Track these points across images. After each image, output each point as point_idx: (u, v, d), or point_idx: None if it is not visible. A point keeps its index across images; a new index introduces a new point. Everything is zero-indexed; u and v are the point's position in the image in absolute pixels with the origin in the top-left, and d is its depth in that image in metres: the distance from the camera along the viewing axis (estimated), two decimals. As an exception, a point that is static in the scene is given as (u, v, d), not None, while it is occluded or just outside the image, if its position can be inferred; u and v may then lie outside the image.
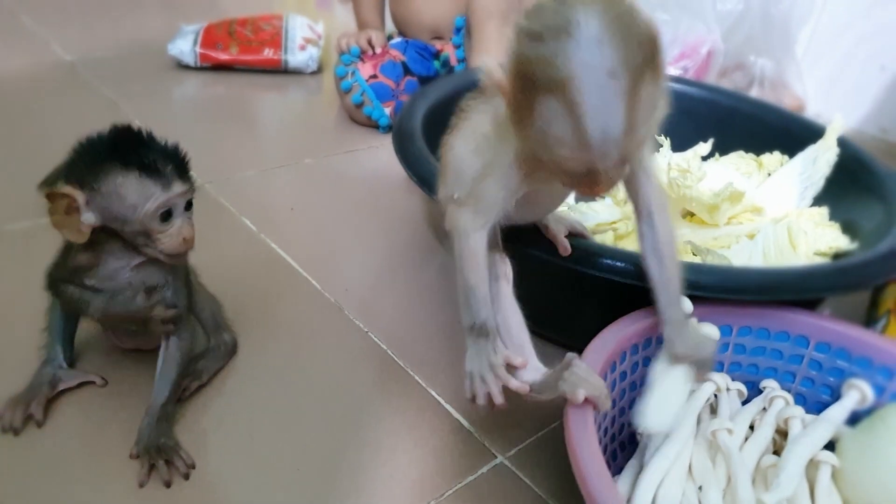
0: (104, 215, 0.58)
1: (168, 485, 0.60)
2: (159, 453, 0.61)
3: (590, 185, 0.50)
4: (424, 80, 1.32)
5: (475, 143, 0.59)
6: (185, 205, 0.61)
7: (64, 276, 0.64)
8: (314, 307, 0.85)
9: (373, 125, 1.33)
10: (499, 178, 0.56)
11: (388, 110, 1.31)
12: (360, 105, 1.32)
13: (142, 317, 0.64)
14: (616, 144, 0.46)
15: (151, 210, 0.58)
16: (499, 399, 0.59)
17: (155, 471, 0.60)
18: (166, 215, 0.60)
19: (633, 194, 0.60)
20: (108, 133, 0.59)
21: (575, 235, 0.69)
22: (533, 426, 0.72)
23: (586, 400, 0.54)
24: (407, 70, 1.32)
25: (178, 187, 0.60)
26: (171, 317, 0.64)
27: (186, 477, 0.61)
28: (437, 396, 0.74)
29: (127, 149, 0.58)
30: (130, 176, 0.57)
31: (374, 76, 1.31)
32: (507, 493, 0.65)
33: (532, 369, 0.61)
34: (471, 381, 0.60)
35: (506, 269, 0.64)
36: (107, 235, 0.60)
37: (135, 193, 0.58)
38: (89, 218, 0.58)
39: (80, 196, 0.57)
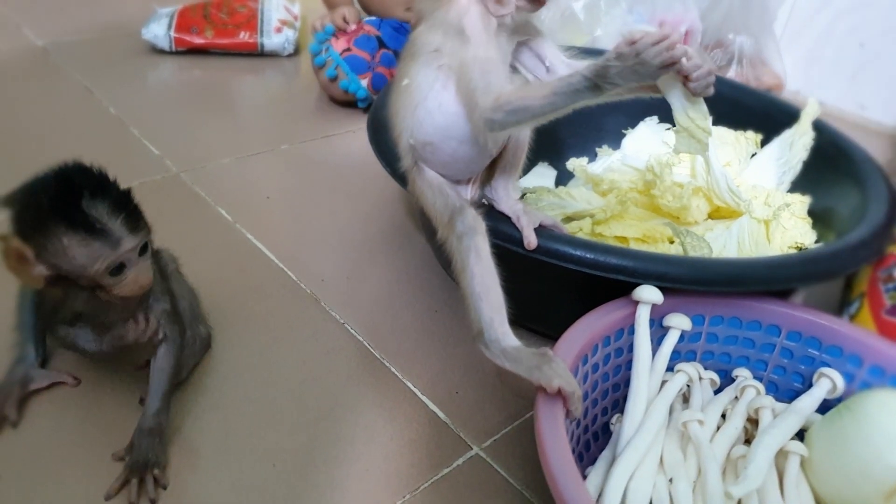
0: (55, 269, 0.56)
1: None
2: (140, 470, 0.60)
3: None
4: (398, 55, 1.31)
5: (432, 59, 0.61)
6: (139, 251, 0.59)
7: (48, 315, 0.63)
8: (290, 299, 0.85)
9: (350, 102, 1.32)
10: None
11: (364, 82, 1.29)
12: (334, 79, 1.30)
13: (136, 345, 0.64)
14: None
15: (101, 270, 0.56)
16: None
17: (126, 487, 0.60)
18: (118, 269, 0.57)
19: None
20: (53, 180, 0.56)
21: (546, 228, 0.69)
22: (508, 416, 0.72)
23: (559, 392, 0.54)
24: (382, 44, 1.31)
25: (128, 243, 0.57)
26: (160, 337, 0.64)
27: (152, 502, 0.59)
28: (412, 387, 0.74)
29: (71, 204, 0.55)
30: (75, 237, 0.55)
31: (348, 49, 1.29)
32: (482, 484, 0.65)
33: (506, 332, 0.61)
34: None
35: (483, 226, 0.64)
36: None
37: (82, 255, 0.55)
38: (41, 270, 0.56)
39: (28, 251, 0.55)
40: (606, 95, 0.54)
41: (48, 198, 0.55)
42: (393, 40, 1.32)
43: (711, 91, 0.56)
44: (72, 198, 0.55)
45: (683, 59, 0.52)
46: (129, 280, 0.58)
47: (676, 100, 0.57)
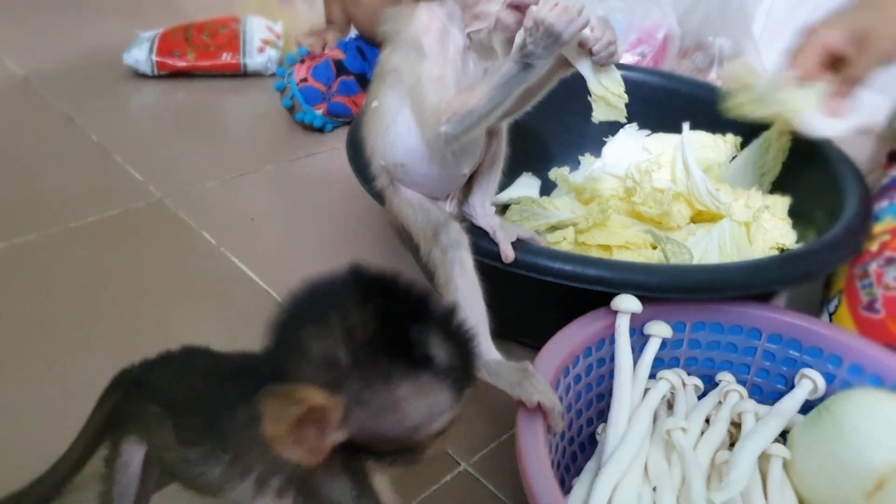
0: (361, 433, 0.38)
1: None
2: None
3: None
4: (361, 79, 1.32)
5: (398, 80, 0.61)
6: None
7: None
8: (276, 321, 0.85)
9: (309, 128, 1.33)
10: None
11: (320, 111, 1.30)
12: (290, 109, 1.31)
13: None
14: None
15: (438, 430, 0.40)
16: None
17: None
18: (446, 428, 0.40)
19: None
20: (377, 299, 0.39)
21: (523, 241, 0.70)
22: (496, 429, 0.72)
23: (539, 407, 0.55)
24: (343, 69, 1.31)
25: (469, 389, 0.40)
26: None
27: None
28: (400, 406, 0.74)
29: (409, 335, 0.38)
30: (420, 384, 0.37)
31: (305, 80, 1.30)
32: (471, 500, 0.65)
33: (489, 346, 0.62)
34: None
35: (466, 239, 0.64)
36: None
37: (421, 410, 0.38)
38: (337, 437, 0.38)
39: (336, 409, 0.37)
40: (540, 73, 0.57)
41: (370, 322, 0.37)
42: (355, 62, 1.33)
43: (617, 58, 0.59)
44: (396, 323, 0.38)
45: (587, 30, 0.55)
46: (447, 437, 0.41)
47: (587, 71, 0.60)
